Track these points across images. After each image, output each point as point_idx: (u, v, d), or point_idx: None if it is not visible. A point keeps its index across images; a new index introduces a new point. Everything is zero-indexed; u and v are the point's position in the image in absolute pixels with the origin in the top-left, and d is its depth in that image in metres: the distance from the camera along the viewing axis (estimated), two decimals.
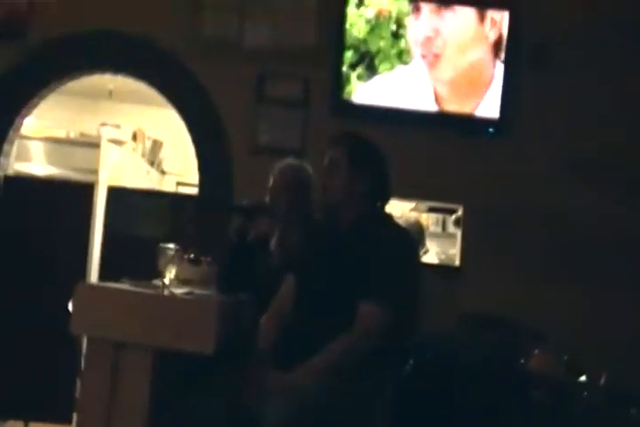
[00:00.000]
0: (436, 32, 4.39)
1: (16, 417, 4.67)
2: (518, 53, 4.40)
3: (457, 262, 4.51)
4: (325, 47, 4.42)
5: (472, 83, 4.44)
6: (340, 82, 4.39)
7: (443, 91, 4.43)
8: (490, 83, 4.41)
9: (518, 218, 4.34)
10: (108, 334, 2.58)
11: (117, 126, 6.53)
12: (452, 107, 4.44)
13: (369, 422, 2.48)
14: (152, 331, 2.57)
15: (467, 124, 4.44)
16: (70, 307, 2.82)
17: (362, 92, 4.41)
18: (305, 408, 2.33)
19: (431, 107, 4.42)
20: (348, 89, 4.40)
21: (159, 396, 2.60)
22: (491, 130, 4.43)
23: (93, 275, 4.97)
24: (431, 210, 7.39)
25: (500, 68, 4.41)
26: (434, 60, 4.40)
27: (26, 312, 4.65)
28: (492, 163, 4.40)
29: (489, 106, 4.40)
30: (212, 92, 4.42)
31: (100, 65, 4.58)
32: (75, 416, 3.58)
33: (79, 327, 2.67)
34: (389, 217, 2.73)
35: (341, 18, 4.41)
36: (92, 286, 3.07)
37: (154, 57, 4.47)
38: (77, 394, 3.65)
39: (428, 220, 7.67)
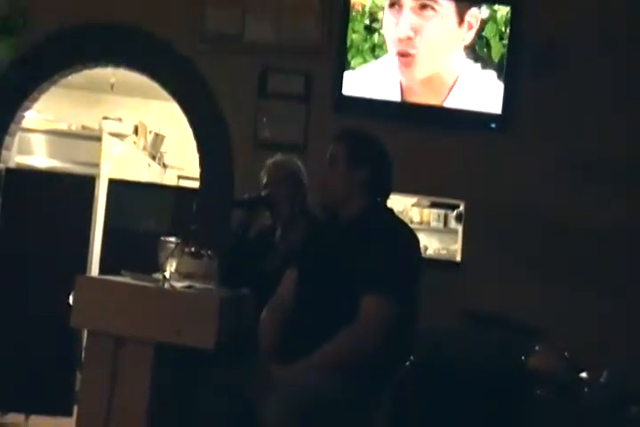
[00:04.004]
0: (416, 32, 4.34)
1: (17, 410, 4.67)
2: (521, 50, 4.39)
3: (458, 258, 4.51)
4: (327, 42, 4.41)
5: (441, 83, 4.38)
6: (342, 77, 4.38)
7: (412, 88, 4.38)
8: (455, 83, 4.37)
9: (520, 214, 4.33)
10: (109, 328, 2.58)
11: (119, 120, 6.51)
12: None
13: (368, 417, 2.48)
14: (152, 325, 2.57)
15: (469, 120, 4.42)
16: (71, 300, 2.82)
17: (359, 86, 4.37)
18: (306, 403, 2.33)
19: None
20: None
21: (159, 390, 2.60)
22: (493, 125, 4.42)
23: (94, 268, 4.96)
24: (433, 205, 7.41)
25: (468, 69, 4.35)
26: (410, 59, 4.35)
27: (26, 305, 4.64)
28: (494, 159, 4.39)
29: (491, 101, 4.39)
30: (213, 86, 4.41)
31: (102, 58, 4.57)
32: (75, 409, 3.58)
33: (80, 321, 2.67)
34: (390, 212, 2.73)
35: (344, 13, 4.39)
36: (93, 280, 3.07)
37: (156, 50, 4.46)
38: (78, 387, 3.66)
39: (430, 215, 7.68)
